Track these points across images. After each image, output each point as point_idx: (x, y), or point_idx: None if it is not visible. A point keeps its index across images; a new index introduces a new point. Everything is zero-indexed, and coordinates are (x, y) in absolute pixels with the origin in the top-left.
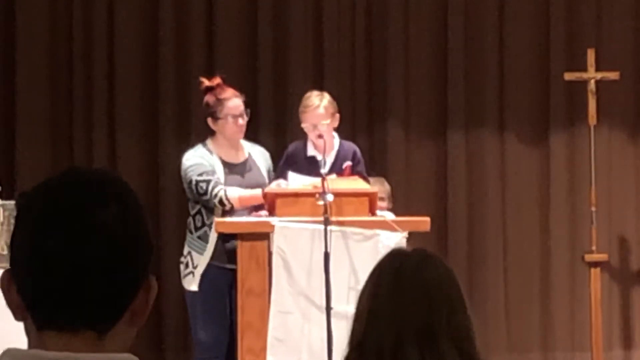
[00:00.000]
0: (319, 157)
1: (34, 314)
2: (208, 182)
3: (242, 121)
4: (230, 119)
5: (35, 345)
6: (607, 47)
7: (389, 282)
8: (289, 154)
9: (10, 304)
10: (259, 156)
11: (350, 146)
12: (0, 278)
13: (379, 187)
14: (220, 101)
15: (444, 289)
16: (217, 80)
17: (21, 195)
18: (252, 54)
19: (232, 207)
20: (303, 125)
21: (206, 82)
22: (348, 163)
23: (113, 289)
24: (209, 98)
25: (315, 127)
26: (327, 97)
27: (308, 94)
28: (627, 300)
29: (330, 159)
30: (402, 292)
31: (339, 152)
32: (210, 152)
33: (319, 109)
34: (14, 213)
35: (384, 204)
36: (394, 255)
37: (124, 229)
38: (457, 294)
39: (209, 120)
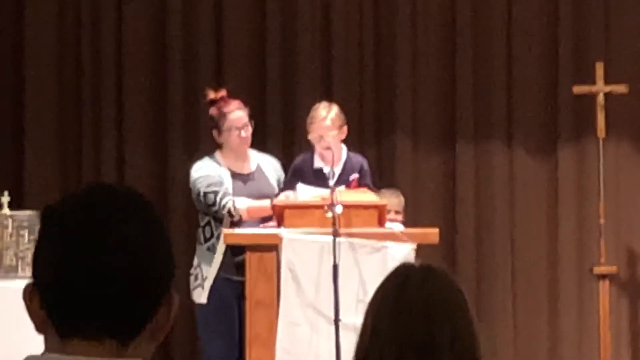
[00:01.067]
0: (326, 169)
1: (58, 324)
2: (216, 193)
3: (245, 133)
4: (233, 132)
5: (56, 351)
6: (615, 60)
7: (392, 297)
8: (296, 166)
9: (32, 315)
10: (269, 166)
11: (358, 158)
12: (23, 290)
13: (394, 199)
14: (223, 114)
15: (447, 305)
16: (222, 93)
17: (47, 208)
18: (260, 65)
19: (240, 218)
20: (310, 136)
21: (211, 95)
22: (355, 175)
23: (136, 302)
24: (212, 111)
25: (321, 138)
26: (335, 109)
27: (316, 105)
28: (636, 312)
29: (337, 171)
30: (404, 308)
31: (346, 164)
32: (219, 163)
33: (325, 121)
34: (24, 224)
35: (399, 217)
36: (399, 271)
37: (148, 245)
38: (462, 311)
39: (214, 133)
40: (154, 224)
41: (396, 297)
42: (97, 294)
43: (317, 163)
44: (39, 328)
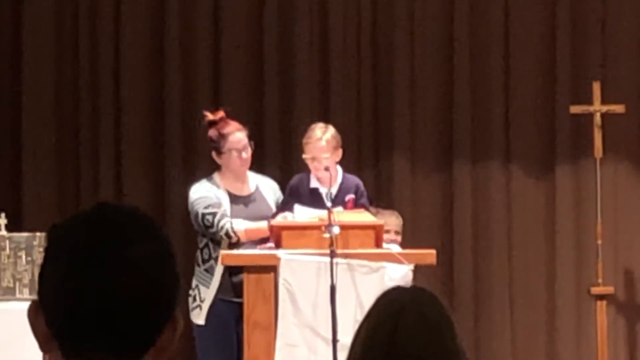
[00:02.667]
0: (322, 190)
1: (63, 344)
2: (214, 214)
3: (246, 155)
4: (233, 153)
5: None
6: (612, 80)
7: (382, 345)
8: (292, 186)
9: (37, 334)
10: (267, 188)
11: (354, 179)
12: (28, 309)
13: (394, 220)
14: (223, 136)
15: (438, 327)
16: (220, 114)
17: (53, 228)
18: (258, 86)
19: (238, 240)
20: (304, 156)
21: (209, 116)
22: (351, 196)
23: (142, 323)
24: (212, 133)
25: (315, 159)
26: (331, 131)
27: (313, 126)
28: (633, 333)
29: (333, 191)
30: (397, 331)
31: (342, 184)
32: (217, 185)
33: (320, 142)
34: (21, 246)
35: (399, 237)
36: (390, 315)
37: (155, 266)
38: (451, 334)
39: (214, 154)
40: (161, 245)
41: (387, 345)
42: (102, 314)
43: (314, 183)
44: (43, 347)
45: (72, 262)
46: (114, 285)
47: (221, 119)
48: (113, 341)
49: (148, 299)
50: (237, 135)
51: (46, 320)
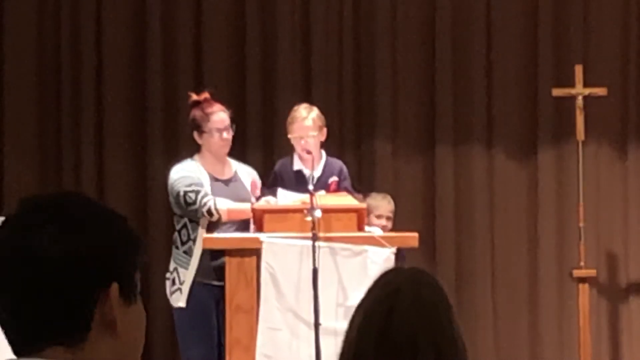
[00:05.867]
0: (306, 171)
1: (9, 343)
2: (197, 192)
3: (227, 135)
4: (215, 133)
5: None
6: (594, 63)
7: (377, 327)
8: (275, 171)
9: None
10: (246, 175)
11: (337, 162)
12: None
13: (386, 205)
14: (206, 115)
15: (432, 331)
16: (205, 95)
17: None
18: (239, 69)
19: (219, 219)
20: (290, 136)
21: (194, 97)
22: (334, 178)
23: (58, 306)
24: (195, 112)
25: (301, 138)
26: (315, 110)
27: (297, 107)
28: (616, 315)
29: (316, 173)
30: (390, 337)
31: (325, 166)
32: (198, 166)
33: (307, 120)
34: None
35: (390, 223)
36: (386, 296)
37: (58, 249)
38: (448, 317)
39: (195, 134)
40: (69, 226)
41: (381, 327)
42: (14, 306)
43: (297, 165)
44: None
45: None
46: (15, 276)
47: (205, 100)
48: (36, 329)
49: (58, 282)
50: (220, 115)
51: None
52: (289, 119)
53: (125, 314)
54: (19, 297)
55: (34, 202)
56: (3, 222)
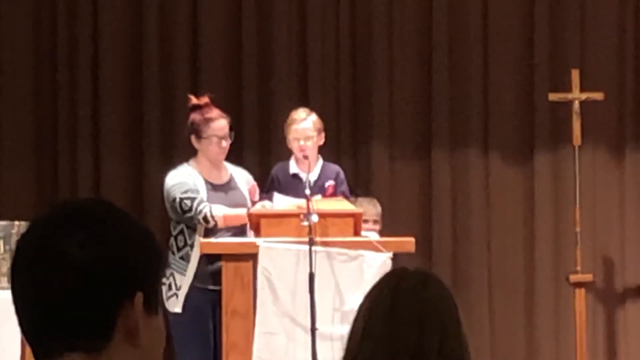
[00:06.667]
0: (303, 175)
1: (31, 347)
2: (193, 199)
3: (225, 143)
4: (214, 140)
5: None
6: (591, 67)
7: (387, 302)
8: (273, 176)
9: None
10: (241, 178)
11: (334, 167)
12: None
13: (372, 209)
14: (206, 120)
15: (438, 311)
16: (205, 100)
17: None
18: (236, 75)
19: (215, 225)
20: (289, 137)
21: (194, 100)
22: (331, 182)
23: (82, 311)
24: (195, 116)
25: (299, 139)
26: (314, 114)
27: (295, 110)
28: (612, 320)
29: (313, 177)
30: (396, 313)
31: (322, 170)
32: (194, 171)
33: (306, 122)
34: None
35: (377, 226)
36: (393, 274)
37: (88, 255)
38: (453, 321)
39: (192, 138)
40: (99, 232)
41: (389, 301)
42: (40, 312)
43: (293, 169)
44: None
45: (13, 266)
46: (44, 282)
47: (205, 105)
48: (60, 334)
49: (85, 289)
50: (221, 122)
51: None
52: (288, 121)
53: (147, 324)
54: (42, 300)
55: (64, 207)
56: (31, 224)
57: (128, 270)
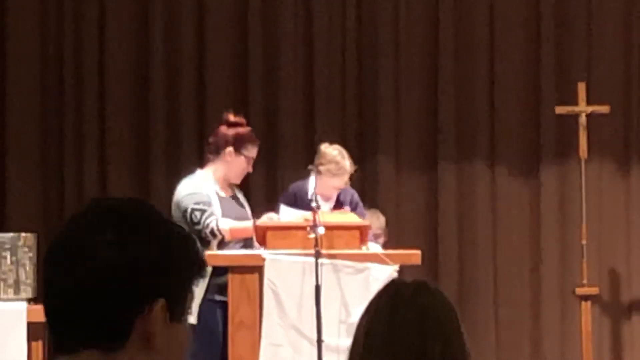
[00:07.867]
0: (321, 203)
1: (51, 339)
2: (203, 211)
3: (250, 170)
4: (245, 162)
5: None
6: (597, 80)
7: (386, 312)
8: (294, 193)
9: None
10: (240, 194)
11: (348, 190)
12: None
13: (374, 221)
14: (252, 141)
15: (439, 318)
16: (242, 119)
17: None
18: (242, 90)
19: (223, 238)
20: (327, 180)
21: (232, 118)
22: (347, 208)
23: (102, 310)
24: (243, 131)
25: (337, 189)
26: (347, 156)
27: (335, 153)
28: (618, 333)
29: (330, 203)
30: (398, 323)
31: (339, 195)
32: (211, 178)
33: (347, 174)
34: (5, 246)
35: (380, 239)
36: (393, 284)
37: (118, 255)
38: (453, 325)
39: (230, 150)
40: (131, 233)
41: (389, 309)
42: (64, 306)
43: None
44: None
45: (44, 260)
46: (69, 277)
47: (242, 124)
48: (79, 331)
49: (110, 288)
50: (256, 149)
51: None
52: (334, 168)
53: (168, 331)
54: (66, 294)
55: (100, 204)
56: (70, 219)
57: (152, 275)
